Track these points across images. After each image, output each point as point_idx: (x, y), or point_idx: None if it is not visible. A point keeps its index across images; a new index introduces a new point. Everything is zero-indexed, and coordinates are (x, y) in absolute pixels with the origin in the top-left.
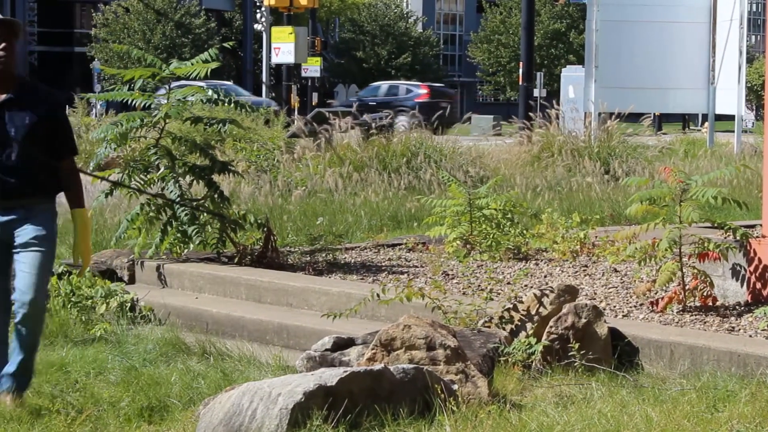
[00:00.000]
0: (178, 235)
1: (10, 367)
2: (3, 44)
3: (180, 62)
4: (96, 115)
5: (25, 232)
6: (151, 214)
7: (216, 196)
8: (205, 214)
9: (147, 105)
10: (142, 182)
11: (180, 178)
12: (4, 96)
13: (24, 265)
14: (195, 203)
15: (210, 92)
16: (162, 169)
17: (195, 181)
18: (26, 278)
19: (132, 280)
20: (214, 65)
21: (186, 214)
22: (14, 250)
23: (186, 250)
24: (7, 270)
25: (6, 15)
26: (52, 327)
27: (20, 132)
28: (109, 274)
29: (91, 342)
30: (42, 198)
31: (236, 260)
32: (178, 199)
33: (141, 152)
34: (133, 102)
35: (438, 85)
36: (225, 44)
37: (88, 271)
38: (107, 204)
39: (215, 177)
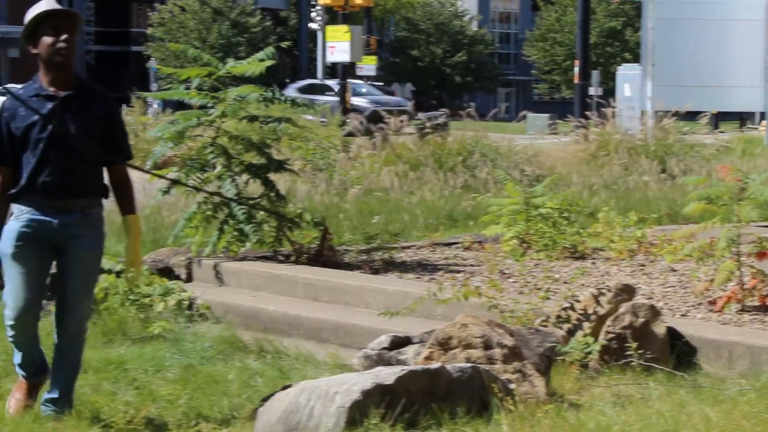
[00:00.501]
0: (235, 233)
1: (53, 394)
2: (65, 35)
3: (236, 61)
4: (153, 114)
5: (81, 243)
6: (208, 212)
7: (272, 194)
8: (261, 213)
9: (203, 104)
10: (199, 181)
11: (236, 177)
12: (63, 92)
13: (73, 282)
14: (251, 202)
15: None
16: (218, 168)
17: (251, 180)
18: (74, 297)
19: (189, 279)
20: (269, 63)
21: (243, 213)
22: (63, 258)
23: (243, 249)
24: (47, 272)
25: None
26: (111, 325)
27: (81, 131)
28: (167, 272)
29: (149, 339)
30: (97, 201)
31: (293, 259)
32: (235, 197)
33: (198, 151)
34: (190, 101)
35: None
36: (281, 44)
37: (146, 269)
38: (164, 202)
39: (271, 176)
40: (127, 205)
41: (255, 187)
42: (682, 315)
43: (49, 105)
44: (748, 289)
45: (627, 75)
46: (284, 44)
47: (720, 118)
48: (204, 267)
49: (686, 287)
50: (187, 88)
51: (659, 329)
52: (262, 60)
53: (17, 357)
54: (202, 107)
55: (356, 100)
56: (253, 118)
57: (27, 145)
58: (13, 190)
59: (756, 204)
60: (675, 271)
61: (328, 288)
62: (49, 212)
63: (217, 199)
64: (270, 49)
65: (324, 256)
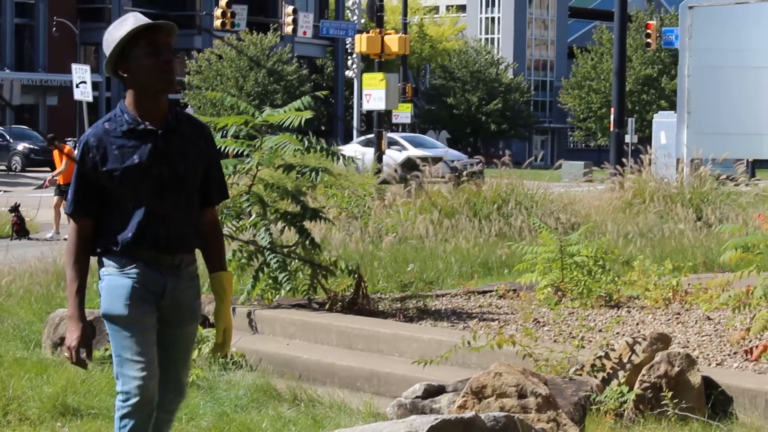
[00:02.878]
0: (270, 281)
1: None
2: (166, 55)
3: (272, 109)
4: None
5: (187, 311)
6: (242, 260)
7: (307, 242)
8: (296, 261)
9: (240, 152)
10: (234, 229)
11: (271, 225)
12: (162, 126)
13: (177, 356)
14: (286, 250)
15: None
16: (254, 216)
17: (286, 228)
18: (177, 370)
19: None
20: (308, 114)
21: (277, 261)
22: (168, 328)
23: (277, 297)
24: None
25: (101, 63)
26: None
27: (189, 171)
28: (202, 320)
29: None
30: (193, 254)
31: (327, 307)
32: (269, 245)
33: (233, 199)
34: (226, 149)
35: None
36: (318, 93)
37: None
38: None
39: (306, 224)
40: (219, 258)
41: (290, 235)
42: (718, 364)
43: (150, 142)
44: None
45: (663, 122)
46: (321, 93)
47: (757, 166)
48: (238, 315)
49: (722, 336)
50: (224, 137)
51: (695, 378)
52: (299, 109)
53: None
54: (238, 155)
55: None
56: (289, 168)
57: (125, 192)
58: (114, 247)
59: None
60: (711, 319)
61: (362, 336)
62: (158, 270)
63: (251, 247)
64: (307, 99)
65: (358, 304)
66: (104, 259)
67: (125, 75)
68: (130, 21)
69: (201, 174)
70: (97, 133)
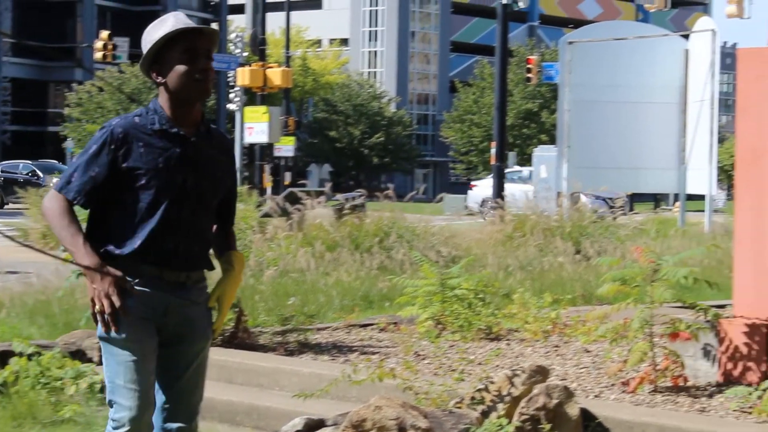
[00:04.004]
0: None
1: None
2: (204, 62)
3: None
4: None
5: (198, 329)
6: None
7: None
8: None
9: None
10: None
11: None
12: (194, 133)
13: (191, 370)
14: None
15: None
16: None
17: None
18: (188, 393)
19: (102, 362)
20: None
21: None
22: (176, 348)
23: None
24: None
25: None
26: (21, 408)
27: (212, 185)
28: (80, 355)
29: (60, 423)
30: (202, 273)
31: None
32: None
33: None
34: None
35: None
36: None
37: (58, 351)
38: (77, 284)
39: None
40: (232, 242)
41: None
42: (596, 396)
43: (178, 148)
44: (660, 370)
45: (543, 156)
46: None
47: (634, 200)
48: None
49: (600, 368)
50: None
51: (572, 410)
52: None
53: None
54: None
55: None
56: None
57: (141, 195)
58: (117, 251)
59: (669, 285)
60: (589, 352)
61: (242, 370)
62: (160, 289)
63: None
64: None
65: (238, 338)
66: None
67: (158, 79)
68: (169, 22)
69: (223, 191)
70: (126, 125)
